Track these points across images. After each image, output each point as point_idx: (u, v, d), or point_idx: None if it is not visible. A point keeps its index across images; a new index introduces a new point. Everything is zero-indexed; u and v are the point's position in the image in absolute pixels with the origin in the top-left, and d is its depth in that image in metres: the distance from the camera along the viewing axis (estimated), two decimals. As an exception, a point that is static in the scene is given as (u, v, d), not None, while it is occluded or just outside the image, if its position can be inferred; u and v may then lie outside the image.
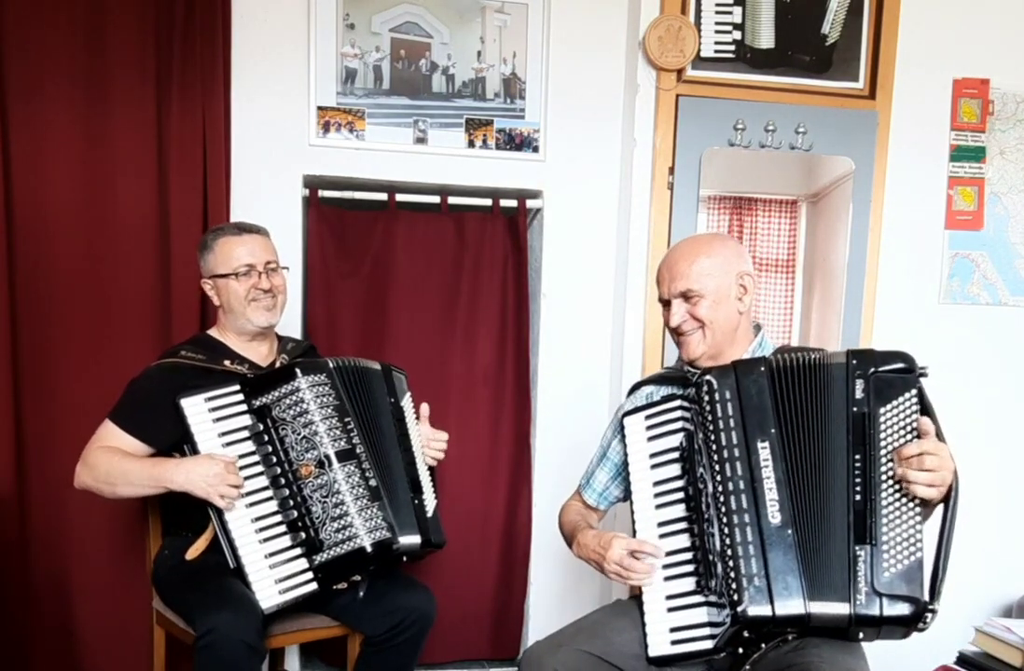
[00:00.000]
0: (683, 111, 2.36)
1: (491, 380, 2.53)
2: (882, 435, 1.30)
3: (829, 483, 1.32)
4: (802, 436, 1.35)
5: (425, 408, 1.85)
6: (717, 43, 2.39)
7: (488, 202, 2.47)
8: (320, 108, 2.30)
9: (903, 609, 1.25)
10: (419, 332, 2.47)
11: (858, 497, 1.29)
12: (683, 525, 1.43)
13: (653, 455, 1.49)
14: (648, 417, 1.52)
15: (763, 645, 1.34)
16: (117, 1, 2.10)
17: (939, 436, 1.31)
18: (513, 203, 2.47)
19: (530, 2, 2.39)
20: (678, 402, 1.49)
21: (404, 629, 1.73)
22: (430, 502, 1.79)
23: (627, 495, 1.69)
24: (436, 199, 2.43)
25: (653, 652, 1.40)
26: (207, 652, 1.50)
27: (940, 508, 1.32)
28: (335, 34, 2.28)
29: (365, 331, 2.45)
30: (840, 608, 1.26)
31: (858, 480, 1.29)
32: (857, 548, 1.27)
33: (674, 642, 1.39)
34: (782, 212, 2.64)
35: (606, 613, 1.58)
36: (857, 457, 1.31)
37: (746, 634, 1.31)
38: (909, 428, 1.30)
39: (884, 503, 1.28)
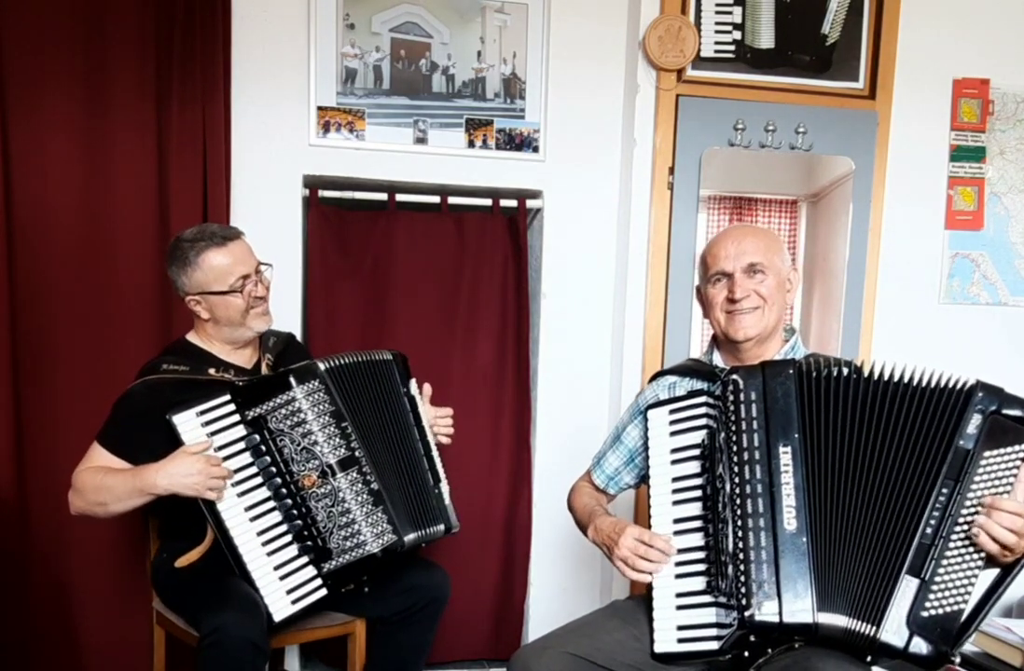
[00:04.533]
0: (683, 111, 2.36)
1: (491, 380, 2.53)
2: (976, 478, 1.24)
3: (866, 497, 1.28)
4: (836, 444, 1.31)
5: (427, 388, 1.83)
6: (717, 43, 2.39)
7: (488, 202, 2.47)
8: (320, 108, 2.30)
9: (927, 650, 1.22)
10: (419, 332, 2.47)
11: (929, 530, 1.24)
12: (698, 524, 1.41)
13: (674, 450, 1.47)
14: (672, 411, 1.49)
15: (769, 650, 1.32)
16: (117, 1, 2.10)
17: None
18: (513, 203, 2.47)
19: (530, 2, 2.39)
20: (703, 398, 1.46)
21: (420, 608, 1.73)
22: (444, 487, 1.79)
23: (638, 483, 1.69)
24: (436, 199, 2.43)
25: (659, 649, 1.39)
26: (212, 650, 1.48)
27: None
28: (335, 34, 2.28)
29: (365, 331, 2.45)
30: (847, 622, 1.24)
31: (936, 513, 1.24)
32: (908, 577, 1.23)
33: (680, 640, 1.38)
34: (782, 212, 2.64)
35: (598, 615, 1.57)
36: (944, 491, 1.25)
37: (752, 639, 1.29)
38: (1005, 481, 1.24)
39: (952, 545, 1.23)
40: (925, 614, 1.22)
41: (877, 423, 1.31)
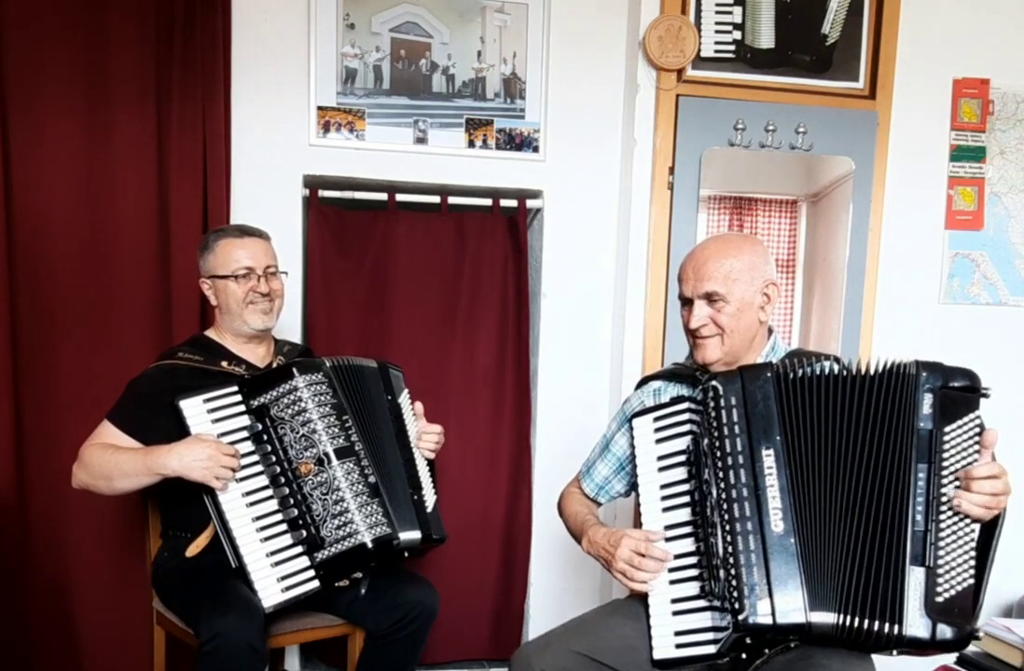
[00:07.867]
0: (683, 111, 2.36)
1: (491, 380, 2.53)
2: (945, 455, 1.26)
3: (850, 492, 1.29)
4: (816, 443, 1.32)
5: (419, 407, 1.86)
6: (717, 43, 2.39)
7: (488, 202, 2.47)
8: (320, 108, 2.30)
9: (952, 635, 1.22)
10: (419, 332, 2.47)
11: (919, 517, 1.25)
12: (688, 529, 1.42)
13: (661, 458, 1.48)
14: (656, 419, 1.50)
15: (766, 651, 1.33)
16: (117, 2, 2.10)
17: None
18: (513, 203, 2.47)
19: (530, 2, 2.39)
20: (686, 405, 1.47)
21: (408, 623, 1.73)
22: (430, 497, 1.79)
23: (629, 491, 1.69)
24: (436, 199, 2.43)
25: (658, 655, 1.40)
26: (212, 657, 1.50)
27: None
28: (335, 34, 2.28)
29: (365, 331, 2.45)
30: (842, 619, 1.25)
31: (920, 499, 1.25)
32: (913, 568, 1.24)
33: (679, 645, 1.39)
34: (782, 212, 2.64)
35: (598, 612, 1.58)
36: (921, 476, 1.26)
37: (748, 641, 1.30)
38: (971, 450, 1.26)
39: (943, 525, 1.24)
40: (940, 599, 1.22)
41: (848, 417, 1.32)
